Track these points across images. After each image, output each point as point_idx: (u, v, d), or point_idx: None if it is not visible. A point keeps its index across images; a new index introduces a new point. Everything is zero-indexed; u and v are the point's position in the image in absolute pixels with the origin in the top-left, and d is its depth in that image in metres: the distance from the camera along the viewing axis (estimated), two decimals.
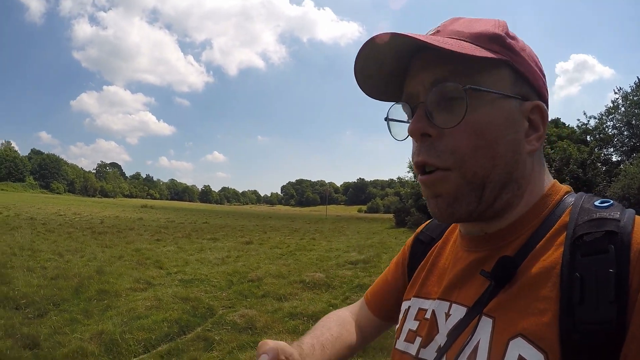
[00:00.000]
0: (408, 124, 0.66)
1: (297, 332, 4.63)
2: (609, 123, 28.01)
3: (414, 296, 0.80)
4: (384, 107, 0.75)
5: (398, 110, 0.71)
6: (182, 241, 13.01)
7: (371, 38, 0.63)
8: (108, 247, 10.43)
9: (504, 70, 0.63)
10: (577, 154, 21.03)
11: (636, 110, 26.46)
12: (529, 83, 0.65)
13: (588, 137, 28.14)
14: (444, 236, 0.85)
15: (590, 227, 0.57)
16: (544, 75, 0.68)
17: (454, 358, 0.62)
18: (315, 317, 5.17)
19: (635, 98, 26.94)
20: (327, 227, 24.09)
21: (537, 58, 0.69)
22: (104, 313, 5.00)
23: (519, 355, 0.55)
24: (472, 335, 0.61)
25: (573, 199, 0.65)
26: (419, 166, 0.65)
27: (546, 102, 0.67)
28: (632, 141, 26.14)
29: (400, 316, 0.82)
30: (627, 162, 22.89)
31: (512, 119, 0.63)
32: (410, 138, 0.67)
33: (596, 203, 0.61)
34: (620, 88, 28.06)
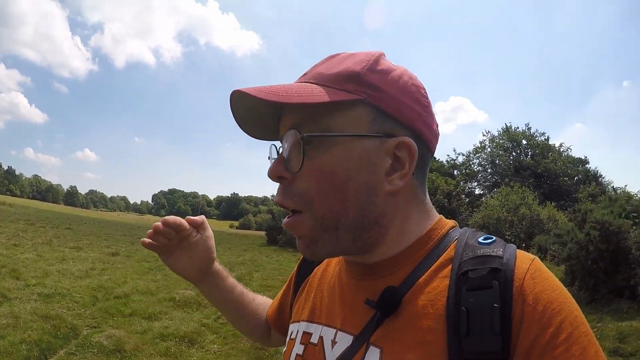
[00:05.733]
0: None
1: (169, 354, 4.47)
2: (475, 160, 31.34)
3: (302, 320, 0.77)
4: None
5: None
6: (42, 248, 11.54)
7: (231, 97, 0.62)
8: None
9: (359, 109, 0.59)
10: (444, 186, 22.52)
11: (500, 152, 29.97)
12: (394, 119, 0.61)
13: (455, 171, 30.99)
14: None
15: (475, 264, 0.57)
16: (425, 107, 0.64)
17: None
18: (187, 338, 5.03)
19: (500, 141, 30.60)
20: None
21: (419, 89, 0.64)
22: None
23: None
24: None
25: (458, 234, 0.65)
26: (282, 207, 0.65)
27: (422, 136, 0.63)
28: (495, 178, 29.45)
29: (288, 339, 0.79)
30: (488, 195, 25.19)
31: (367, 159, 0.59)
32: None
33: (480, 239, 0.61)
34: (488, 131, 31.65)
